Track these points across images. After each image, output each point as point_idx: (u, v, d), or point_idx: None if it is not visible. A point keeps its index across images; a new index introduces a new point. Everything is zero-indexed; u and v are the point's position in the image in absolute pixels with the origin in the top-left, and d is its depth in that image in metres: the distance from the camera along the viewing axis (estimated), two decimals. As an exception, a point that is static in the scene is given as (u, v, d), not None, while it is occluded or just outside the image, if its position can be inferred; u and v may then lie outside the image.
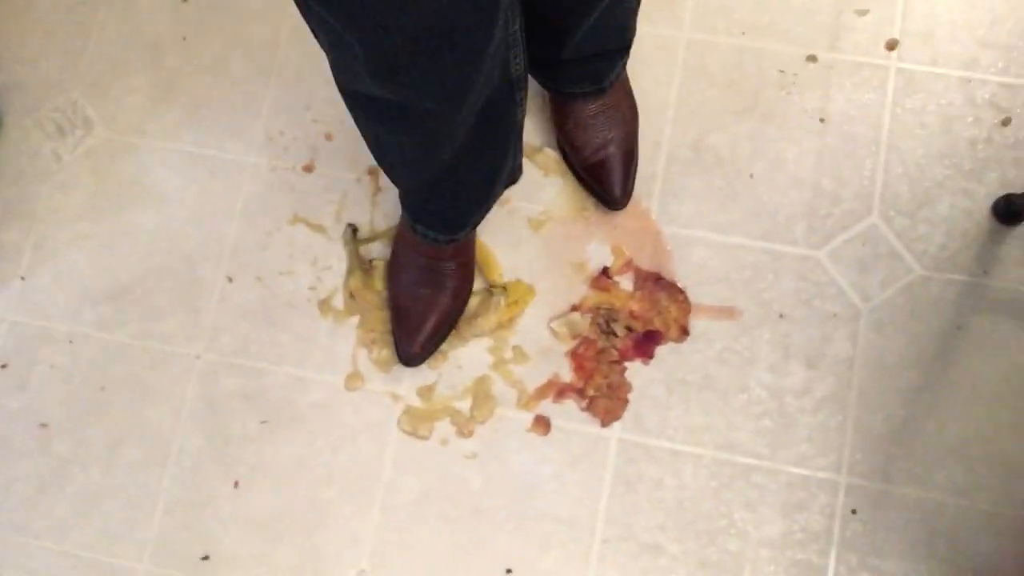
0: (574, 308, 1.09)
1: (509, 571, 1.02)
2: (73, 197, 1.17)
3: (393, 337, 1.08)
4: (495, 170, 0.94)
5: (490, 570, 1.03)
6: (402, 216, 1.05)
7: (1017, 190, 1.06)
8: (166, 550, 1.05)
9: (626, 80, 1.10)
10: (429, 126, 0.77)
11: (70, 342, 1.12)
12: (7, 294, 1.14)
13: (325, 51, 0.74)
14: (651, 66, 1.14)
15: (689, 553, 1.01)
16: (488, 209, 1.03)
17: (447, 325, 1.08)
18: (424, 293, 1.06)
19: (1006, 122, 1.09)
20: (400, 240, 1.08)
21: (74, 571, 1.05)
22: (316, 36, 0.73)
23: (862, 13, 1.14)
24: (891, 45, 1.13)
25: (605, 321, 1.09)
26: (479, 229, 1.09)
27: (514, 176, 1.04)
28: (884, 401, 1.03)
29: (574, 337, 1.08)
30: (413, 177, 0.91)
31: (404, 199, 1.01)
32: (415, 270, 1.06)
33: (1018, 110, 1.10)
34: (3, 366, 1.11)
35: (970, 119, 1.10)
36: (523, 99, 0.87)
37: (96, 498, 1.07)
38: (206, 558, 1.05)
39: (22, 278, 1.14)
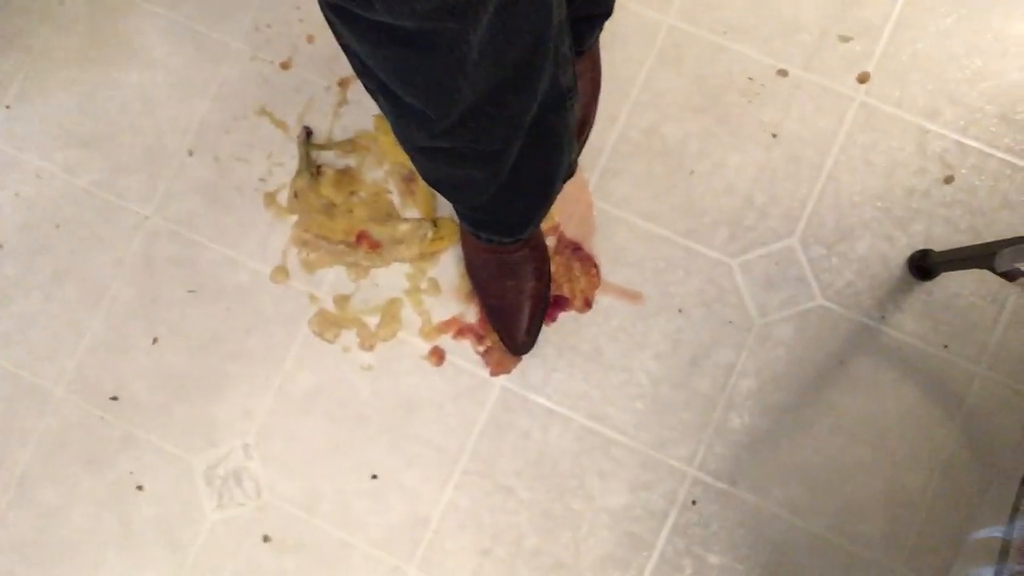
0: (495, 257, 1.27)
1: (375, 476, 1.24)
2: (68, 41, 1.36)
3: (498, 334, 1.24)
4: (552, 174, 0.98)
5: (358, 472, 1.24)
6: (462, 223, 1.17)
7: (938, 248, 1.20)
8: (82, 382, 1.28)
9: (597, 50, 1.25)
10: (488, 159, 0.85)
11: (37, 176, 1.33)
12: (-9, 119, 1.35)
13: (385, 114, 0.80)
14: (628, 43, 1.28)
15: (536, 502, 1.21)
16: (549, 207, 1.08)
17: (542, 304, 1.23)
18: (510, 285, 1.21)
19: (949, 180, 1.22)
20: (467, 243, 1.23)
21: (1, 379, 1.29)
22: (375, 99, 0.79)
23: (845, 40, 1.26)
24: (863, 78, 1.25)
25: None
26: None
27: (571, 170, 1.06)
28: (750, 410, 1.21)
29: (484, 283, 1.26)
30: (474, 200, 0.99)
31: (462, 213, 1.10)
32: (492, 267, 1.21)
33: (964, 171, 1.23)
34: (-26, 184, 1.33)
35: (915, 168, 1.23)
36: (573, 103, 0.90)
37: (31, 321, 1.30)
38: (115, 398, 1.28)
39: (7, 107, 1.35)
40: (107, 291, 1.30)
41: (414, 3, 0.62)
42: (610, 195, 1.27)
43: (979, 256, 1.08)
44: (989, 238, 1.21)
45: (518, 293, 1.21)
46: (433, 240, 1.27)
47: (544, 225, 1.26)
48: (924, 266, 1.20)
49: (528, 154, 0.87)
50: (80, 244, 1.31)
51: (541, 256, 1.23)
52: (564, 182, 1.05)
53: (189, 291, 1.29)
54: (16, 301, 1.31)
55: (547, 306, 1.24)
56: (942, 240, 1.22)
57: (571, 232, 1.26)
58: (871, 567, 1.18)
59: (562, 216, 1.27)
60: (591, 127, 1.26)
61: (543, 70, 0.77)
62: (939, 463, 1.19)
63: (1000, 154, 1.23)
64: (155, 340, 1.29)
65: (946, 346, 1.21)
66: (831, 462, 1.20)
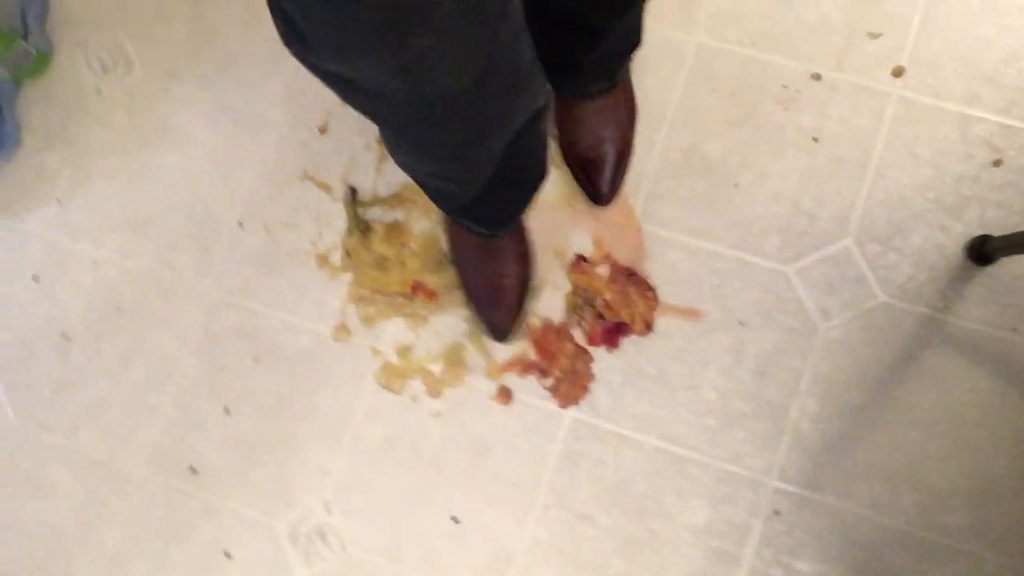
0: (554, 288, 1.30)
1: (455, 519, 1.27)
2: (108, 131, 1.44)
3: (480, 320, 1.30)
4: (527, 183, 1.11)
5: (438, 516, 1.28)
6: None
7: (994, 232, 1.22)
8: (160, 459, 1.34)
9: (629, 79, 1.29)
10: (458, 165, 0.93)
11: (95, 264, 1.40)
12: (45, 213, 1.42)
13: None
14: (657, 66, 1.33)
15: (618, 527, 1.25)
16: (529, 205, 1.19)
17: (524, 288, 1.29)
18: (492, 269, 1.27)
19: (997, 163, 1.24)
20: (450, 229, 1.30)
21: (79, 465, 1.35)
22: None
23: (874, 36, 1.29)
24: (897, 72, 1.28)
25: (581, 301, 1.29)
26: None
27: (544, 174, 1.15)
28: (824, 415, 1.24)
29: (541, 320, 1.29)
30: (451, 206, 1.12)
31: (452, 213, 1.20)
32: (474, 251, 1.28)
33: (1012, 152, 1.25)
34: (35, 278, 1.40)
35: (961, 155, 1.26)
36: (546, 118, 0.99)
37: (104, 405, 1.36)
38: (194, 471, 1.33)
39: (59, 201, 1.42)
40: (175, 368, 1.36)
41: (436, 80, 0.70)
42: (657, 218, 1.30)
43: (1038, 236, 1.10)
44: (1044, 216, 1.22)
45: (500, 277, 1.26)
46: (487, 281, 1.31)
47: (595, 254, 1.29)
48: (983, 252, 1.22)
49: (505, 167, 0.95)
50: (143, 325, 1.37)
51: (523, 241, 1.29)
52: (542, 181, 1.15)
53: (254, 359, 1.34)
54: (87, 388, 1.37)
55: (528, 288, 1.29)
56: (997, 224, 1.24)
57: (623, 259, 1.30)
58: (960, 557, 1.20)
59: (612, 244, 1.30)
60: (631, 155, 1.30)
61: (522, 106, 0.86)
62: (1020, 446, 1.20)
63: (1044, 130, 1.25)
64: (226, 410, 1.34)
65: (1015, 329, 1.22)
66: (910, 457, 1.21)
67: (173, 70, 1.45)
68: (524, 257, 1.29)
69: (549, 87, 0.97)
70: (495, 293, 1.28)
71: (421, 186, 1.06)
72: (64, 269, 1.41)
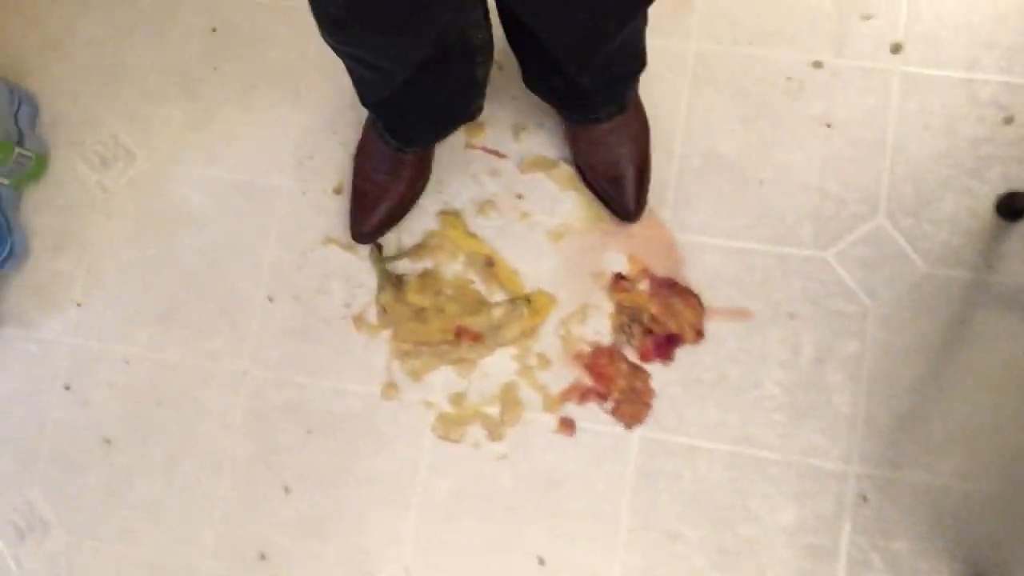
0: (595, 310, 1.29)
1: (542, 561, 1.24)
2: (119, 225, 1.41)
3: (350, 216, 1.34)
4: (450, 109, 1.22)
5: (523, 561, 1.25)
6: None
7: (1020, 187, 1.24)
8: (226, 550, 1.30)
9: (638, 96, 1.29)
10: (373, 65, 1.04)
11: (126, 362, 1.36)
12: (65, 319, 1.38)
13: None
14: (661, 78, 1.34)
15: (708, 539, 1.23)
16: (440, 138, 1.32)
17: (400, 210, 1.34)
18: (382, 179, 1.32)
19: (1008, 120, 1.27)
20: (367, 130, 1.35)
21: (145, 572, 1.29)
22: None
23: (867, 18, 1.32)
24: (895, 49, 1.31)
25: (627, 320, 1.29)
26: (502, 245, 1.32)
27: (473, 115, 1.29)
28: (891, 393, 1.23)
29: (590, 345, 1.28)
30: (364, 96, 1.18)
31: (366, 105, 1.23)
32: (376, 157, 1.32)
33: (1020, 107, 1.28)
34: (67, 387, 1.36)
35: (973, 118, 1.28)
36: (484, 62, 1.13)
37: (160, 506, 1.31)
38: (263, 557, 1.28)
39: (78, 304, 1.38)
40: (225, 455, 1.32)
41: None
42: (688, 225, 1.30)
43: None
44: (1064, 164, 1.25)
45: (384, 190, 1.32)
46: (530, 315, 1.31)
47: (632, 270, 1.29)
48: (1012, 208, 1.24)
49: (427, 86, 1.07)
50: (186, 417, 1.34)
51: (422, 169, 1.34)
52: (465, 123, 1.30)
53: (307, 432, 1.31)
54: (138, 489, 1.33)
55: (405, 212, 1.35)
56: (1021, 179, 1.26)
57: (661, 271, 1.30)
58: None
59: (646, 257, 1.30)
60: (650, 168, 1.31)
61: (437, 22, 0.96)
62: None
63: (1046, 82, 1.29)
64: (286, 489, 1.30)
65: (1057, 277, 1.24)
66: (983, 420, 1.22)
67: (175, 154, 1.42)
68: (415, 182, 1.33)
69: (487, 33, 1.08)
70: (374, 200, 1.32)
71: (347, 69, 1.12)
72: (94, 372, 1.37)
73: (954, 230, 1.27)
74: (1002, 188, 1.26)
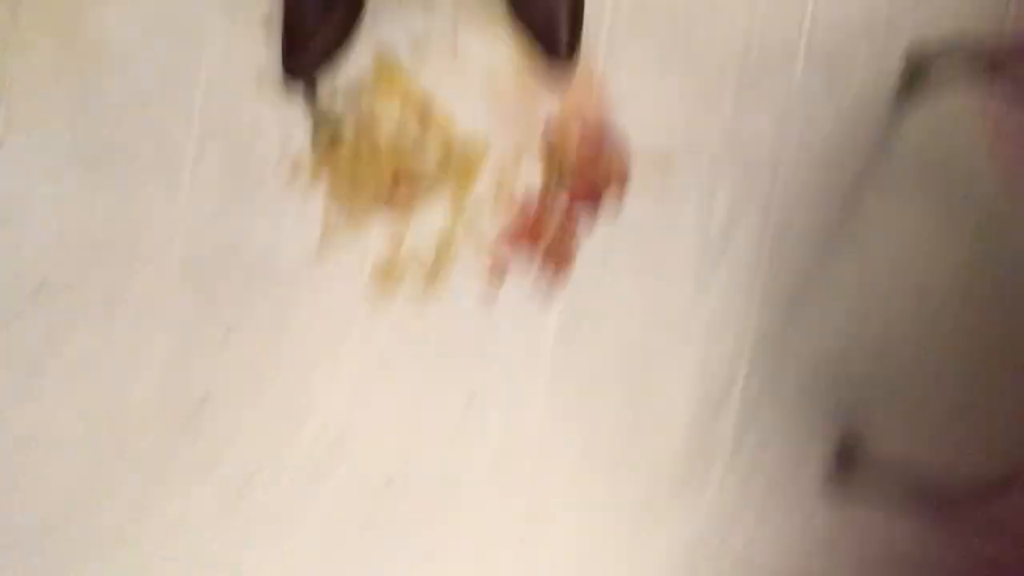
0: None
1: (471, 400, 1.31)
2: (38, 61, 1.33)
3: (281, 51, 1.29)
4: None
5: (455, 401, 1.33)
6: None
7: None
8: (168, 394, 1.32)
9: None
10: None
11: (56, 204, 1.32)
12: (-13, 161, 1.33)
13: None
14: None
15: (623, 387, 1.31)
16: None
17: (333, 45, 1.30)
18: (313, 11, 1.27)
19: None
20: None
21: (86, 413, 1.32)
22: None
23: None
24: None
25: (559, 164, 1.31)
26: (435, 85, 1.32)
27: None
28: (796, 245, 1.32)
29: (524, 189, 1.31)
30: None
31: None
32: None
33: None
34: (-5, 228, 1.33)
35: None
36: None
37: (99, 351, 1.33)
38: (204, 399, 1.32)
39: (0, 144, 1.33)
40: (165, 301, 1.32)
41: None
42: (619, 67, 1.33)
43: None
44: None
45: (316, 25, 1.27)
46: (465, 160, 1.32)
47: (565, 113, 1.31)
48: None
49: None
50: (122, 261, 1.32)
51: (357, 2, 1.29)
52: None
53: (246, 278, 1.32)
54: (78, 336, 1.32)
55: (340, 45, 1.30)
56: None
57: (592, 114, 1.31)
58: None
59: (579, 101, 1.31)
60: (583, 9, 1.30)
61: None
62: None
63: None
64: (227, 333, 1.32)
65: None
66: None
67: (94, -15, 1.35)
68: (348, 19, 1.29)
69: None
70: (306, 34, 1.28)
71: None
72: (23, 215, 1.33)
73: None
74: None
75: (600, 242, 1.31)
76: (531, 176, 1.32)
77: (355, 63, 1.32)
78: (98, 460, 1.32)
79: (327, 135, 1.32)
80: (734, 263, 1.31)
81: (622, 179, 1.31)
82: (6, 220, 1.33)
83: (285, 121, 1.32)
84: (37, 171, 1.33)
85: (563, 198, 1.31)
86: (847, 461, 1.30)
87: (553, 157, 1.32)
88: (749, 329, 1.30)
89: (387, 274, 1.33)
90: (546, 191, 1.32)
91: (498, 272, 1.32)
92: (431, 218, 1.33)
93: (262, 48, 1.32)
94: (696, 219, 1.31)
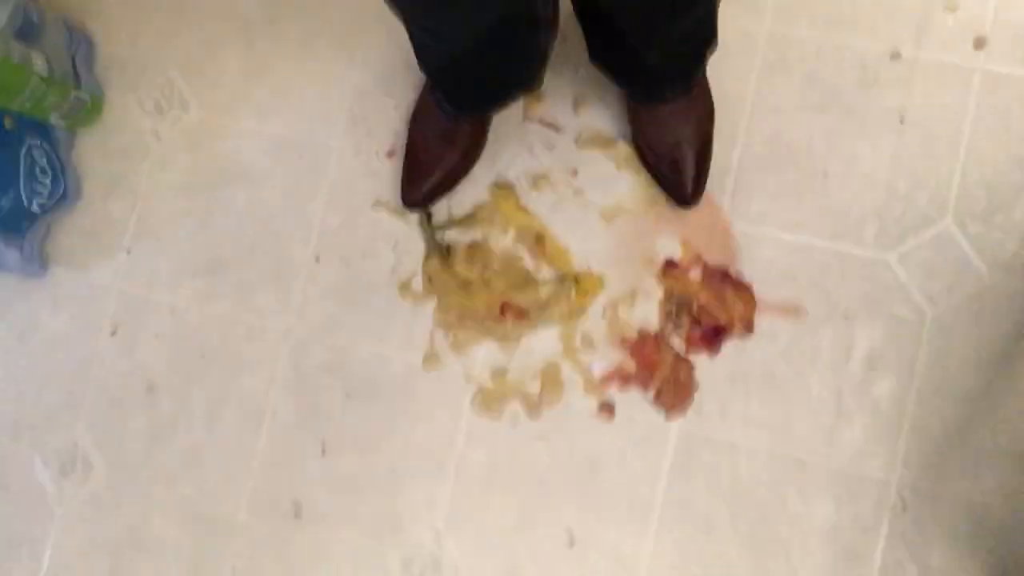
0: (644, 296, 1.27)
1: (572, 540, 1.25)
2: (171, 175, 1.40)
3: (401, 181, 1.33)
4: (505, 79, 1.17)
5: (554, 538, 1.26)
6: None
7: (1098, 198, 1.19)
8: (262, 503, 1.31)
9: (705, 77, 1.25)
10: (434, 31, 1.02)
11: (172, 312, 1.36)
12: (115, 264, 1.38)
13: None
14: (730, 59, 1.29)
15: (741, 534, 1.22)
16: (499, 108, 1.27)
17: (452, 178, 1.32)
18: (436, 146, 1.30)
19: (1093, 128, 1.21)
20: (423, 95, 1.33)
21: (181, 516, 1.31)
22: None
23: (952, 9, 1.26)
24: (979, 43, 1.24)
25: (676, 307, 1.27)
26: (553, 221, 1.30)
27: (533, 87, 1.22)
28: (942, 403, 1.20)
29: (637, 330, 1.26)
30: (430, 61, 1.15)
31: (425, 71, 1.22)
32: (432, 123, 1.30)
33: (1107, 115, 1.21)
34: (113, 332, 1.37)
35: (1056, 123, 1.22)
36: (549, 33, 1.07)
37: (199, 454, 1.33)
38: (297, 513, 1.30)
39: (128, 251, 1.38)
40: (265, 409, 1.33)
41: None
42: (746, 214, 1.27)
43: None
44: None
45: (438, 156, 1.30)
46: (578, 295, 1.28)
47: (684, 257, 1.26)
48: (1087, 221, 1.18)
49: (488, 55, 1.04)
50: (229, 369, 1.34)
51: (478, 139, 1.32)
52: (521, 94, 1.24)
53: (346, 394, 1.31)
54: (179, 437, 1.34)
55: (457, 182, 1.33)
56: (1100, 190, 1.20)
57: (714, 260, 1.26)
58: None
59: (701, 244, 1.27)
60: (711, 157, 1.26)
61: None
62: None
63: None
64: (324, 448, 1.30)
65: None
66: (1036, 438, 1.18)
67: (230, 106, 1.39)
68: (469, 150, 1.31)
69: (553, 4, 1.03)
70: (427, 167, 1.30)
71: (408, 33, 1.08)
72: (141, 320, 1.37)
73: (1024, 240, 1.22)
74: (1079, 199, 1.21)
75: (719, 389, 1.24)
76: (646, 318, 1.27)
77: (473, 193, 1.33)
78: (188, 567, 1.31)
79: (439, 261, 1.31)
80: (878, 402, 1.22)
81: (746, 326, 1.25)
82: (124, 322, 1.37)
83: (399, 245, 1.33)
84: (159, 278, 1.37)
85: (679, 341, 1.26)
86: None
87: (670, 301, 1.27)
88: (894, 476, 1.21)
89: (490, 402, 1.29)
90: (661, 333, 1.27)
91: (606, 412, 1.27)
92: (539, 346, 1.29)
93: (382, 175, 1.35)
94: (830, 366, 1.23)
